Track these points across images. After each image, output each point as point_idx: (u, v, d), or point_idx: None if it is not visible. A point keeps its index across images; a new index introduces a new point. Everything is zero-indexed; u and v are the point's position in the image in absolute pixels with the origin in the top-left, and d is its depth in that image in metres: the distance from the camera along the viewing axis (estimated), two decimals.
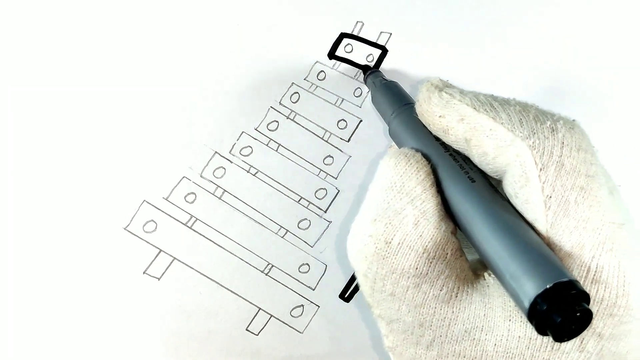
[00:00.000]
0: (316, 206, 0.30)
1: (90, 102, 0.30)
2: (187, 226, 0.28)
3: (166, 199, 0.29)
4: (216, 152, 0.30)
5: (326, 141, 0.31)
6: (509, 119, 0.18)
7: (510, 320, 0.17)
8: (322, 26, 0.33)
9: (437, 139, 0.21)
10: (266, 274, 0.28)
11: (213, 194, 0.29)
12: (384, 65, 0.32)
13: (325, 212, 0.30)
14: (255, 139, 0.30)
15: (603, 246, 0.16)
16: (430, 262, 0.18)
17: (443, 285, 0.18)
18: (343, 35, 0.33)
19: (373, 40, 0.33)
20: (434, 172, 0.20)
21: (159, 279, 0.28)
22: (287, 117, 0.31)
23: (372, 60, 0.32)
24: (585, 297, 0.15)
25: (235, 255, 0.28)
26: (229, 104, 0.31)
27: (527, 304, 0.15)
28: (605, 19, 0.34)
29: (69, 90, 0.30)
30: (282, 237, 0.29)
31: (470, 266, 0.19)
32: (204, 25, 0.32)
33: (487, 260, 0.17)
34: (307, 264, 0.29)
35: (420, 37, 0.33)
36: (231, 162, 0.30)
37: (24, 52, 0.30)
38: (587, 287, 0.16)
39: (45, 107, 0.30)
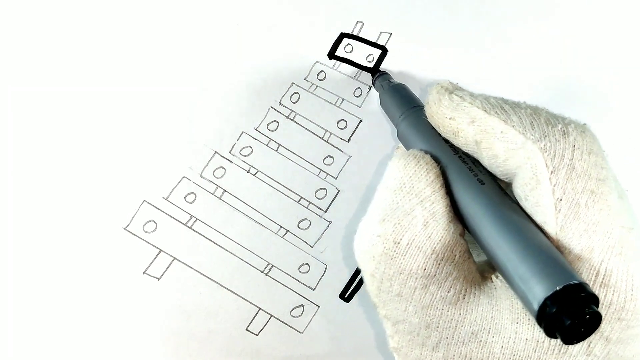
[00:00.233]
0: (316, 206, 0.30)
1: (90, 102, 0.30)
2: (187, 226, 0.28)
3: (166, 199, 0.29)
4: (216, 152, 0.30)
5: (326, 141, 0.31)
6: (520, 121, 0.18)
7: (517, 322, 0.17)
8: (322, 26, 0.33)
9: (446, 141, 0.21)
10: (266, 274, 0.28)
11: (213, 194, 0.29)
12: (384, 66, 0.32)
13: (325, 212, 0.30)
14: (255, 139, 0.30)
15: (612, 250, 0.16)
16: (439, 264, 0.18)
17: (451, 287, 0.18)
18: (343, 35, 0.33)
19: (373, 40, 0.33)
20: (443, 174, 0.20)
21: (159, 279, 0.28)
22: (287, 117, 0.31)
23: (372, 60, 0.32)
24: (595, 300, 0.15)
25: (235, 255, 0.28)
26: (229, 104, 0.31)
27: (536, 306, 0.15)
28: (605, 19, 0.34)
29: (69, 90, 0.30)
30: (282, 237, 0.29)
31: (477, 268, 0.19)
32: (204, 25, 0.32)
33: (495, 262, 0.17)
34: (307, 264, 0.29)
35: (420, 37, 0.33)
36: (231, 162, 0.30)
37: (24, 52, 0.30)
38: (595, 290, 0.16)
39: (45, 107, 0.30)
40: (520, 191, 0.18)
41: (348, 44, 0.32)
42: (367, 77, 0.32)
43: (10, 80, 0.30)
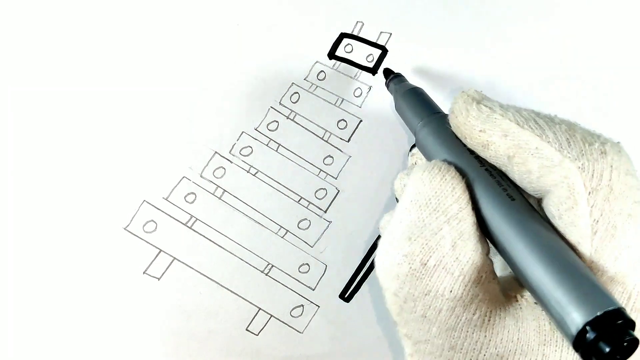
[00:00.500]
0: (316, 206, 0.30)
1: (90, 102, 0.30)
2: (187, 226, 0.28)
3: (166, 199, 0.29)
4: (216, 152, 0.30)
5: (326, 141, 0.31)
6: (555, 137, 0.17)
7: (545, 344, 0.17)
8: (322, 26, 0.33)
9: (472, 152, 0.20)
10: (266, 274, 0.28)
11: (213, 194, 0.29)
12: (384, 65, 0.32)
13: (325, 212, 0.30)
14: (255, 139, 0.30)
15: None
16: (466, 286, 0.18)
17: (477, 309, 0.18)
18: (343, 35, 0.33)
19: (373, 40, 0.33)
20: (469, 187, 0.19)
21: (159, 279, 0.28)
22: (287, 117, 0.31)
23: (372, 60, 0.32)
24: (632, 325, 0.15)
25: (235, 255, 0.28)
26: (229, 104, 0.31)
27: (574, 332, 0.15)
28: (605, 19, 0.34)
29: (69, 90, 0.30)
30: (282, 237, 0.29)
31: (500, 286, 0.19)
32: (204, 25, 0.32)
33: (527, 283, 0.17)
34: (307, 264, 0.29)
35: (420, 37, 0.33)
36: (231, 162, 0.30)
37: (24, 52, 0.30)
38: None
39: (45, 107, 0.30)
40: (554, 209, 0.18)
41: (348, 44, 0.32)
42: (367, 77, 0.32)
43: (10, 80, 0.30)
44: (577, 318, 0.15)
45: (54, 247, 0.27)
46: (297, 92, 0.31)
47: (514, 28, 0.33)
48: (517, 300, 0.18)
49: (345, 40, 0.32)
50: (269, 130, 0.30)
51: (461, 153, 0.20)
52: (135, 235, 0.28)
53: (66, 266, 0.27)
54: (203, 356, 0.27)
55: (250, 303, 0.28)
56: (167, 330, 0.27)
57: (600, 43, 0.33)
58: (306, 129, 0.31)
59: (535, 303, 0.18)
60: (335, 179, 0.30)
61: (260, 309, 0.28)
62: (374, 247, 0.29)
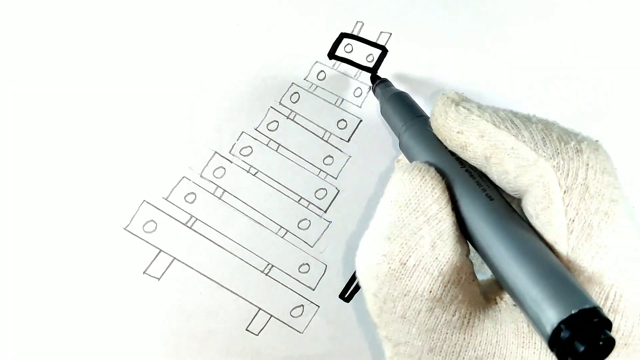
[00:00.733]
0: (316, 206, 0.30)
1: (90, 102, 0.30)
2: (187, 226, 0.28)
3: (166, 199, 0.29)
4: (216, 152, 0.30)
5: (326, 141, 0.31)
6: (531, 137, 0.17)
7: (523, 346, 0.17)
8: (322, 26, 0.33)
9: (452, 153, 0.20)
10: (266, 274, 0.28)
11: (213, 194, 0.29)
12: (384, 65, 0.32)
13: (325, 212, 0.30)
14: (255, 139, 0.30)
15: (623, 274, 0.16)
16: (445, 286, 0.18)
17: (456, 310, 0.18)
18: (343, 35, 0.33)
19: (373, 40, 0.33)
20: (449, 188, 0.19)
21: (159, 279, 0.28)
22: (287, 117, 0.31)
23: (372, 60, 0.32)
24: (608, 325, 0.15)
25: (235, 255, 0.28)
26: (229, 104, 0.31)
27: (549, 330, 0.15)
28: (605, 19, 0.34)
29: (69, 90, 0.30)
30: (282, 237, 0.29)
31: (480, 289, 0.19)
32: (204, 25, 0.32)
33: (504, 283, 0.17)
34: (307, 264, 0.29)
35: (420, 37, 0.33)
36: (231, 162, 0.30)
37: (24, 52, 0.30)
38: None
39: (45, 107, 0.30)
40: (532, 209, 0.18)
41: (348, 44, 0.32)
42: (367, 77, 0.32)
43: (10, 80, 0.30)
44: (552, 317, 0.15)
45: (54, 247, 0.27)
46: (297, 92, 0.31)
47: (514, 28, 0.33)
48: (496, 303, 0.18)
49: (345, 40, 0.32)
50: (269, 130, 0.31)
51: (442, 154, 0.20)
52: (135, 235, 0.28)
53: (66, 266, 0.27)
54: (203, 356, 0.27)
55: (250, 303, 0.28)
56: (167, 330, 0.27)
57: (600, 43, 0.33)
58: (306, 129, 0.31)
59: (514, 305, 0.18)
60: (335, 179, 0.30)
61: (260, 309, 0.28)
62: None
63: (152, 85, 0.31)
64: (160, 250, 0.28)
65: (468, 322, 0.18)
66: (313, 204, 0.30)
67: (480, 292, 0.19)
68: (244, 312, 0.28)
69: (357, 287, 0.29)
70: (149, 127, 0.30)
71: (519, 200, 0.19)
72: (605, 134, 0.33)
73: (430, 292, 0.18)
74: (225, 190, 0.29)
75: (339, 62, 0.32)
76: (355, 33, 0.33)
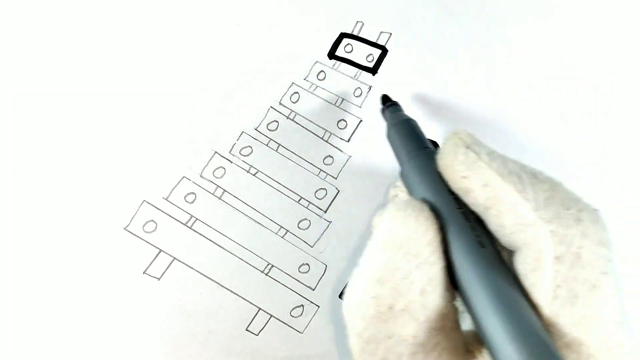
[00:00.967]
0: (316, 206, 0.30)
1: (90, 102, 0.30)
2: (187, 226, 0.28)
3: (166, 199, 0.29)
4: (216, 152, 0.30)
5: (326, 141, 0.31)
6: (535, 196, 0.17)
7: None
8: (322, 26, 0.33)
9: (452, 192, 0.20)
10: (266, 274, 0.28)
11: (213, 194, 0.29)
12: (384, 65, 0.32)
13: (325, 212, 0.30)
14: (255, 139, 0.30)
15: (602, 345, 0.16)
16: (429, 332, 0.18)
17: (438, 357, 0.18)
18: (343, 35, 0.33)
19: (373, 40, 0.33)
20: (443, 227, 0.19)
21: (159, 279, 0.28)
22: (287, 117, 0.31)
23: (372, 60, 0.32)
24: None
25: (235, 255, 0.28)
26: (229, 104, 0.31)
27: None
28: (605, 19, 0.34)
29: (69, 90, 0.30)
30: (282, 237, 0.29)
31: (462, 339, 0.19)
32: (204, 25, 0.32)
33: (483, 334, 0.17)
34: (307, 264, 0.29)
35: (420, 37, 0.33)
36: (231, 162, 0.30)
37: (24, 52, 0.30)
38: None
39: (45, 107, 0.30)
40: (521, 268, 0.17)
41: (348, 44, 0.32)
42: (367, 77, 0.32)
43: (10, 80, 0.30)
44: None
45: (53, 247, 0.27)
46: (297, 92, 0.31)
47: (514, 28, 0.34)
48: (474, 358, 0.18)
49: (345, 40, 0.32)
50: (269, 130, 0.31)
51: (441, 193, 0.20)
52: (135, 235, 0.28)
53: (66, 266, 0.27)
54: (203, 356, 0.27)
55: (250, 303, 0.28)
56: (167, 331, 0.27)
57: (600, 43, 0.33)
58: (306, 129, 0.31)
59: None
60: (335, 179, 0.30)
61: (260, 309, 0.28)
62: None
63: (152, 85, 0.31)
64: (160, 250, 0.28)
65: None
66: (313, 204, 0.30)
67: (462, 342, 0.19)
68: (244, 312, 0.28)
69: None
70: (148, 127, 0.30)
71: (511, 252, 0.19)
72: (605, 134, 0.33)
73: (414, 337, 0.18)
74: (225, 190, 0.29)
75: (339, 62, 0.32)
76: (355, 33, 0.33)
